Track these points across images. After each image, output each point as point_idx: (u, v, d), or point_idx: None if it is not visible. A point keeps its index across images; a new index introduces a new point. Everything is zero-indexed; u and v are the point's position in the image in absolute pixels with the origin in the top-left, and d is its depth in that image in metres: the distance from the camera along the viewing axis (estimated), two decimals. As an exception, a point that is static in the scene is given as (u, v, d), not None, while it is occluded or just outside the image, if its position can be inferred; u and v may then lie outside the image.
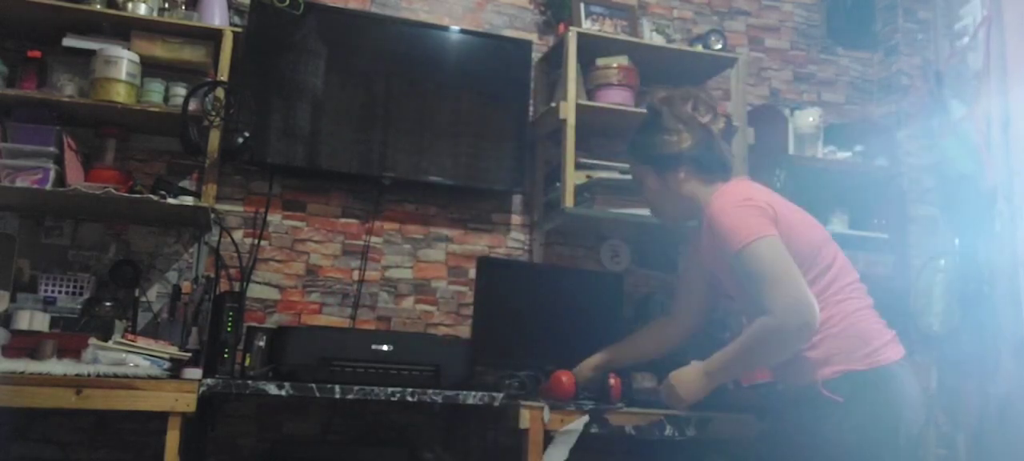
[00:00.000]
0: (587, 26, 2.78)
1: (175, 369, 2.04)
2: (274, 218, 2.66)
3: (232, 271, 2.57)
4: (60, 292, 2.31)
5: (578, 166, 2.58)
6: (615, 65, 2.69)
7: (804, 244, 1.82)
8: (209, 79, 2.39)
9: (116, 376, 1.92)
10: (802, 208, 1.96)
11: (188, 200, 2.28)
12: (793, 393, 1.86)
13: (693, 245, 2.16)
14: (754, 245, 1.76)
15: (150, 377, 1.96)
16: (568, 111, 2.58)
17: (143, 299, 2.45)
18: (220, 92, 2.34)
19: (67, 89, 2.34)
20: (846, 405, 1.72)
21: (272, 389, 2.05)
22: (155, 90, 2.38)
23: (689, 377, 1.92)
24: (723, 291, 2.07)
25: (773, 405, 2.01)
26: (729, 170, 2.01)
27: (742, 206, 1.82)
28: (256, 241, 2.62)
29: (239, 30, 2.49)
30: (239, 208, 2.63)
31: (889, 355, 1.77)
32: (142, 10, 2.38)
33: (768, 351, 1.78)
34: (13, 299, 2.24)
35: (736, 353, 1.82)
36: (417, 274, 2.75)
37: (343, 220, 2.72)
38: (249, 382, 2.07)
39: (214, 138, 2.38)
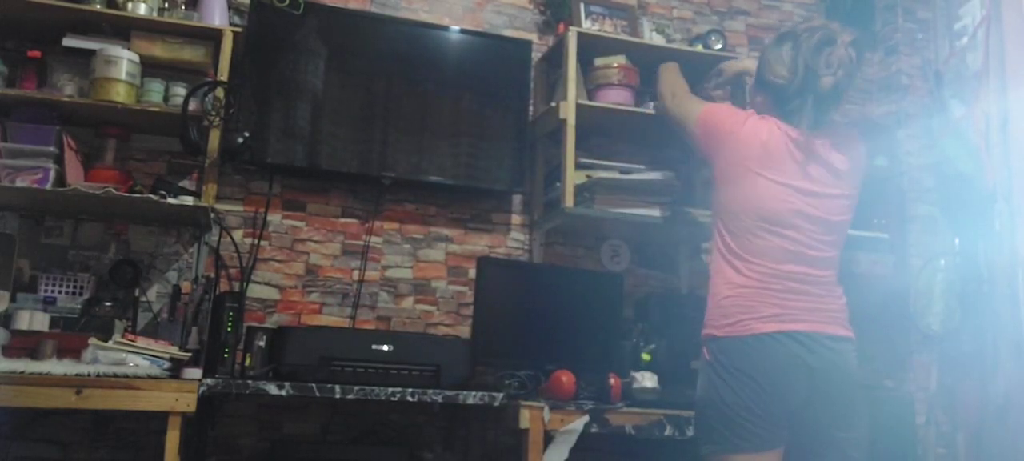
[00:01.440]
0: (587, 26, 2.78)
1: (175, 369, 2.04)
2: (274, 218, 2.66)
3: (232, 271, 2.57)
4: (60, 292, 2.31)
5: (578, 166, 2.58)
6: (615, 65, 2.69)
7: (741, 204, 1.90)
8: (209, 79, 2.39)
9: (116, 376, 1.92)
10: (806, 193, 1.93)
11: (188, 200, 2.28)
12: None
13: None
14: (705, 103, 2.13)
15: (150, 377, 1.96)
16: (568, 111, 2.58)
17: (143, 299, 2.45)
18: (220, 92, 2.34)
19: (67, 89, 2.34)
20: (710, 363, 1.87)
21: (272, 389, 2.05)
22: (155, 90, 2.38)
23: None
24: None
25: None
26: (796, 123, 1.93)
27: (734, 113, 2.02)
28: (256, 241, 2.62)
29: (239, 30, 2.49)
30: (239, 208, 2.63)
31: (753, 327, 1.82)
32: (142, 10, 2.38)
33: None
34: (13, 299, 2.24)
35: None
36: (417, 274, 2.76)
37: (343, 220, 2.72)
38: (249, 382, 2.07)
39: (214, 138, 2.38)
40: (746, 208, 1.90)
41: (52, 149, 2.24)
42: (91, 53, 2.31)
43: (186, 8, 2.47)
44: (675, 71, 2.42)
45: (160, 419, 1.94)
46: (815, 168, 1.91)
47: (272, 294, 2.62)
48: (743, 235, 1.89)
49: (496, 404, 2.18)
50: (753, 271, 1.86)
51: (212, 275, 2.47)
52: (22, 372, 1.87)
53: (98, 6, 2.35)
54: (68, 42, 2.35)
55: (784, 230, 1.87)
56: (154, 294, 2.49)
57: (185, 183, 2.52)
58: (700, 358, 1.92)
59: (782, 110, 1.95)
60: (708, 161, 2.07)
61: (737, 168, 1.93)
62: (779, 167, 1.89)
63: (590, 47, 2.71)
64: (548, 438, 2.11)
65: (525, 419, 2.10)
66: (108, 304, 2.29)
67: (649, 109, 2.66)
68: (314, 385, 2.07)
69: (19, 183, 2.19)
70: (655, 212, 2.58)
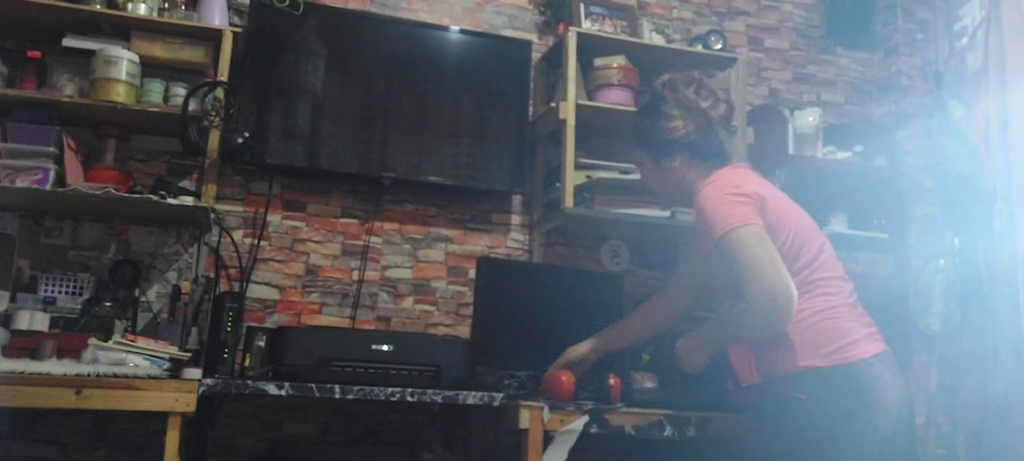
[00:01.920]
0: (587, 26, 2.78)
1: (175, 369, 2.04)
2: (274, 218, 2.66)
3: (232, 271, 2.57)
4: (60, 292, 2.31)
5: (578, 166, 2.58)
6: (615, 65, 2.69)
7: (790, 235, 1.81)
8: (209, 79, 2.39)
9: (116, 376, 1.92)
10: (797, 204, 1.95)
11: (188, 200, 2.28)
12: (764, 388, 1.85)
13: (693, 228, 2.16)
14: (735, 232, 1.74)
15: (150, 377, 1.96)
16: (568, 111, 2.58)
17: (143, 299, 2.45)
18: (220, 92, 2.34)
19: (67, 89, 2.34)
20: (809, 402, 1.71)
21: (272, 389, 2.05)
22: (155, 90, 2.38)
23: (691, 346, 1.96)
24: (712, 275, 2.05)
25: (754, 402, 2.02)
26: (726, 157, 2.00)
27: (728, 194, 1.81)
28: (256, 241, 2.62)
29: (239, 30, 2.49)
30: (239, 208, 2.63)
31: (858, 352, 1.72)
32: (142, 10, 2.38)
33: (744, 333, 1.82)
34: (13, 299, 2.24)
35: (721, 325, 1.91)
36: (417, 274, 2.76)
37: (343, 220, 2.72)
38: (249, 382, 2.07)
39: (214, 138, 2.38)
40: (794, 241, 1.80)
41: (52, 149, 2.24)
42: (91, 53, 2.31)
43: (186, 8, 2.47)
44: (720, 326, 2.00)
45: (160, 419, 1.94)
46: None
47: (272, 294, 2.62)
48: (800, 263, 1.79)
49: (496, 404, 2.18)
50: (834, 291, 1.77)
51: (212, 275, 2.47)
52: (22, 372, 1.86)
53: (98, 6, 2.35)
54: (68, 42, 2.35)
55: (820, 254, 1.84)
56: (154, 294, 2.49)
57: (185, 183, 2.52)
58: (774, 396, 1.77)
59: (704, 153, 1.94)
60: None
61: (770, 214, 1.82)
62: (778, 195, 1.90)
63: (590, 47, 2.71)
64: (548, 438, 2.10)
65: (525, 419, 2.10)
66: (108, 304, 2.29)
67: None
68: (314, 385, 2.07)
69: (19, 183, 2.19)
70: (655, 212, 2.58)
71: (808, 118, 2.87)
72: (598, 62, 2.72)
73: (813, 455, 1.69)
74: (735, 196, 1.81)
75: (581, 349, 2.25)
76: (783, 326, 1.71)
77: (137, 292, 2.43)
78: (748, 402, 2.16)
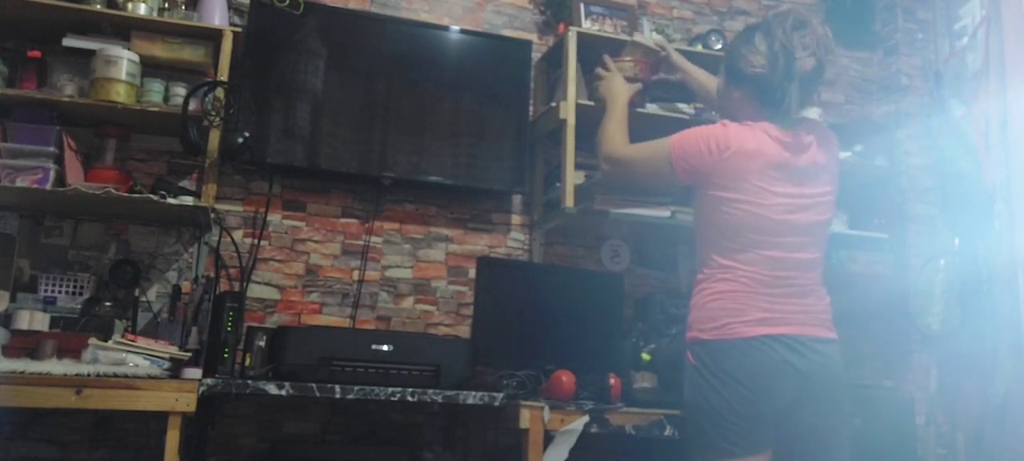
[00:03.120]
0: (587, 26, 2.78)
1: (175, 369, 2.04)
2: (274, 218, 2.66)
3: (232, 271, 2.57)
4: (60, 292, 2.31)
5: (578, 166, 2.58)
6: (629, 59, 2.52)
7: (733, 221, 1.85)
8: (209, 79, 2.39)
9: (116, 376, 1.92)
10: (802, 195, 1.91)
11: (188, 200, 2.28)
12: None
13: None
14: (666, 141, 1.96)
15: (150, 377, 1.96)
16: (568, 111, 2.58)
17: (143, 299, 2.45)
18: (220, 92, 2.34)
19: (67, 89, 2.34)
20: (697, 368, 1.85)
21: (272, 389, 2.05)
22: (155, 90, 2.38)
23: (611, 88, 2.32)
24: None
25: None
26: (781, 115, 1.90)
27: (705, 141, 1.90)
28: (256, 241, 2.62)
29: (239, 30, 2.49)
30: (239, 208, 2.63)
31: (741, 331, 1.80)
32: (142, 10, 2.38)
33: (600, 142, 2.18)
34: (13, 299, 2.25)
35: (611, 117, 2.22)
36: (417, 274, 2.76)
37: (343, 220, 2.72)
38: (249, 382, 2.07)
39: (214, 138, 2.38)
40: (738, 224, 1.86)
41: (52, 149, 2.24)
42: (91, 53, 2.31)
43: (186, 8, 2.47)
44: (616, 123, 2.21)
45: (160, 419, 1.94)
46: (804, 169, 1.89)
47: (272, 294, 2.62)
48: (733, 247, 1.86)
49: (496, 404, 2.18)
50: (741, 277, 1.84)
51: (212, 275, 2.47)
52: (22, 372, 1.87)
53: (98, 6, 2.35)
54: (68, 42, 2.35)
55: (775, 238, 1.85)
56: (154, 294, 2.49)
57: (185, 183, 2.52)
58: (684, 363, 1.90)
59: (766, 100, 1.90)
60: (696, 190, 1.97)
61: (728, 188, 1.87)
62: (771, 177, 1.86)
63: (590, 47, 2.71)
64: (548, 438, 2.11)
65: (525, 419, 2.10)
66: (108, 304, 2.29)
67: (649, 109, 2.66)
68: (314, 385, 2.07)
69: (19, 183, 2.19)
70: (655, 212, 2.58)
71: (811, 114, 2.87)
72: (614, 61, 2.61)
73: (696, 409, 1.84)
74: (702, 146, 1.89)
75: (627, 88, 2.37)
76: (598, 158, 2.18)
77: (137, 292, 2.43)
78: None
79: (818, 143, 1.95)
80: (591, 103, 2.65)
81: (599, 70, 2.41)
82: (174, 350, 2.09)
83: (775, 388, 1.78)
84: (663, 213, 2.58)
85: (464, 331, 2.73)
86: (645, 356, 2.51)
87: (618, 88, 2.30)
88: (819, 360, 1.82)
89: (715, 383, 1.80)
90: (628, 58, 2.44)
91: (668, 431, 2.16)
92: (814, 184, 1.91)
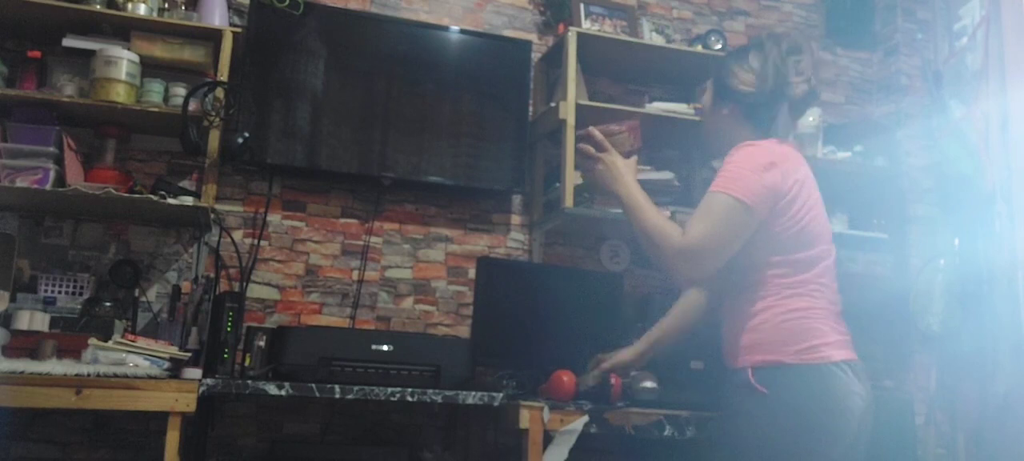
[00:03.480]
0: (587, 26, 2.78)
1: (175, 369, 2.04)
2: (274, 218, 2.66)
3: (232, 271, 2.57)
4: (60, 292, 2.31)
5: (578, 166, 2.58)
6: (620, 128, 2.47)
7: (799, 231, 1.76)
8: (209, 79, 2.39)
9: (116, 376, 1.92)
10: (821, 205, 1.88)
11: (188, 200, 2.28)
12: (729, 377, 1.83)
13: None
14: (723, 195, 1.72)
15: (150, 377, 1.96)
16: (568, 111, 2.58)
17: (143, 299, 2.45)
18: (220, 92, 2.35)
19: (67, 89, 2.34)
20: (771, 396, 1.68)
21: (272, 389, 2.05)
22: (155, 90, 2.38)
23: (612, 173, 1.92)
24: None
25: (724, 392, 1.96)
26: (772, 134, 1.89)
27: (758, 168, 1.73)
28: (256, 241, 2.62)
29: (239, 30, 2.49)
30: (239, 208, 2.63)
31: (825, 355, 1.69)
32: (142, 10, 2.38)
33: (648, 239, 1.80)
34: (13, 299, 2.24)
35: (646, 210, 1.82)
36: (417, 274, 2.76)
37: (343, 220, 2.72)
38: (249, 382, 2.07)
39: (214, 138, 2.38)
40: (808, 233, 1.76)
41: (52, 149, 2.24)
42: (91, 53, 2.31)
43: (186, 8, 2.47)
44: (651, 213, 1.86)
45: (160, 419, 1.94)
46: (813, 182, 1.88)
47: (272, 294, 2.62)
48: (802, 261, 1.76)
49: (496, 404, 2.18)
50: (815, 292, 1.74)
51: (212, 275, 2.47)
52: (22, 372, 1.86)
53: (98, 6, 2.35)
54: (68, 42, 2.35)
55: (830, 247, 1.81)
56: (154, 294, 2.49)
57: (185, 183, 2.52)
58: (740, 392, 1.74)
59: (754, 119, 1.88)
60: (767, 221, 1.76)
61: (796, 199, 1.76)
62: (812, 187, 1.83)
63: (590, 47, 2.71)
64: (548, 438, 2.10)
65: (525, 419, 2.10)
66: (108, 304, 2.29)
67: (649, 109, 2.67)
68: (314, 385, 2.07)
69: (19, 183, 2.19)
70: (655, 212, 2.57)
71: (808, 118, 2.86)
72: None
73: (769, 449, 1.67)
74: (760, 173, 1.73)
75: (625, 356, 2.14)
76: (668, 270, 1.79)
77: (137, 292, 2.43)
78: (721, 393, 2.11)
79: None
80: (591, 103, 2.65)
81: (586, 147, 1.97)
82: (174, 350, 2.09)
83: (849, 421, 1.67)
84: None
85: (464, 331, 2.73)
86: (645, 356, 2.50)
87: (621, 170, 1.92)
88: (870, 391, 1.74)
89: (798, 416, 1.64)
90: (617, 127, 2.03)
91: (668, 431, 2.16)
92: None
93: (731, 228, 1.71)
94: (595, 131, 1.97)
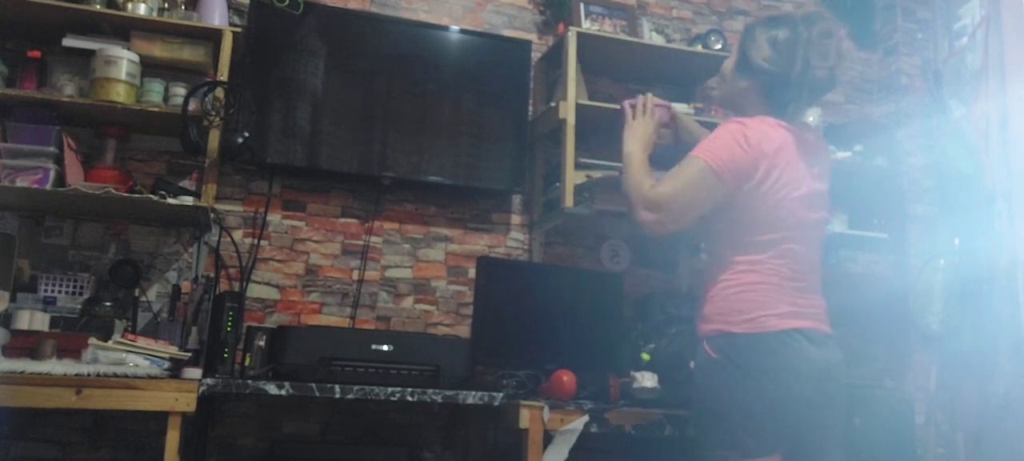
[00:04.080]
0: (587, 26, 2.78)
1: (175, 369, 2.05)
2: (274, 218, 2.66)
3: (232, 271, 2.57)
4: (60, 292, 2.31)
5: (578, 166, 2.58)
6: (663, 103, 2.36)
7: (762, 216, 1.81)
8: (209, 79, 2.39)
9: (116, 376, 1.92)
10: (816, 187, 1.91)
11: (188, 200, 2.28)
12: (697, 343, 1.91)
13: None
14: (699, 159, 1.81)
15: (150, 377, 1.96)
16: (568, 111, 2.58)
17: (143, 299, 2.46)
18: (220, 92, 2.35)
19: (67, 89, 2.34)
20: (721, 362, 1.79)
21: (272, 389, 2.05)
22: (155, 90, 2.38)
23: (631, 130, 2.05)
24: None
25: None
26: (785, 114, 1.89)
27: (737, 143, 1.80)
28: (256, 241, 2.62)
29: (239, 30, 2.49)
30: (239, 208, 2.63)
31: (771, 324, 1.76)
32: (142, 10, 2.38)
33: (629, 194, 1.91)
34: (13, 299, 2.24)
35: (629, 167, 1.96)
36: (417, 274, 2.76)
37: (343, 220, 2.72)
38: (249, 382, 2.07)
39: (214, 138, 2.38)
40: (768, 217, 1.82)
41: (52, 149, 2.24)
42: (91, 53, 2.31)
43: (186, 8, 2.47)
44: (638, 166, 1.96)
45: (160, 419, 1.94)
46: (814, 166, 1.89)
47: (272, 294, 2.62)
48: (759, 242, 1.82)
49: (496, 404, 2.18)
50: (767, 270, 1.81)
51: (212, 275, 2.47)
52: (22, 372, 1.87)
53: (98, 6, 2.35)
54: (68, 42, 2.35)
55: (797, 233, 1.84)
56: (154, 294, 2.49)
57: (185, 183, 2.52)
58: (700, 356, 1.85)
59: (772, 97, 1.89)
60: (733, 197, 1.84)
61: (762, 182, 1.81)
62: (796, 170, 1.85)
63: (590, 47, 2.71)
64: (548, 438, 2.11)
65: (525, 419, 2.10)
66: (108, 304, 2.29)
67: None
68: (314, 385, 2.07)
69: (19, 183, 2.19)
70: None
71: (808, 117, 2.87)
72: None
73: (721, 404, 1.78)
74: (736, 148, 1.80)
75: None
76: (634, 221, 1.88)
77: (137, 292, 2.43)
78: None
79: (817, 141, 1.96)
80: (591, 103, 2.65)
81: (628, 104, 2.11)
82: (174, 350, 2.09)
83: (801, 383, 1.75)
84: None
85: (464, 331, 2.73)
86: (645, 356, 2.51)
87: (636, 129, 2.04)
88: (834, 355, 1.82)
89: (744, 378, 1.74)
90: (662, 102, 2.14)
91: (668, 431, 2.16)
92: (821, 182, 1.91)
93: (697, 190, 1.82)
94: (650, 97, 2.12)
